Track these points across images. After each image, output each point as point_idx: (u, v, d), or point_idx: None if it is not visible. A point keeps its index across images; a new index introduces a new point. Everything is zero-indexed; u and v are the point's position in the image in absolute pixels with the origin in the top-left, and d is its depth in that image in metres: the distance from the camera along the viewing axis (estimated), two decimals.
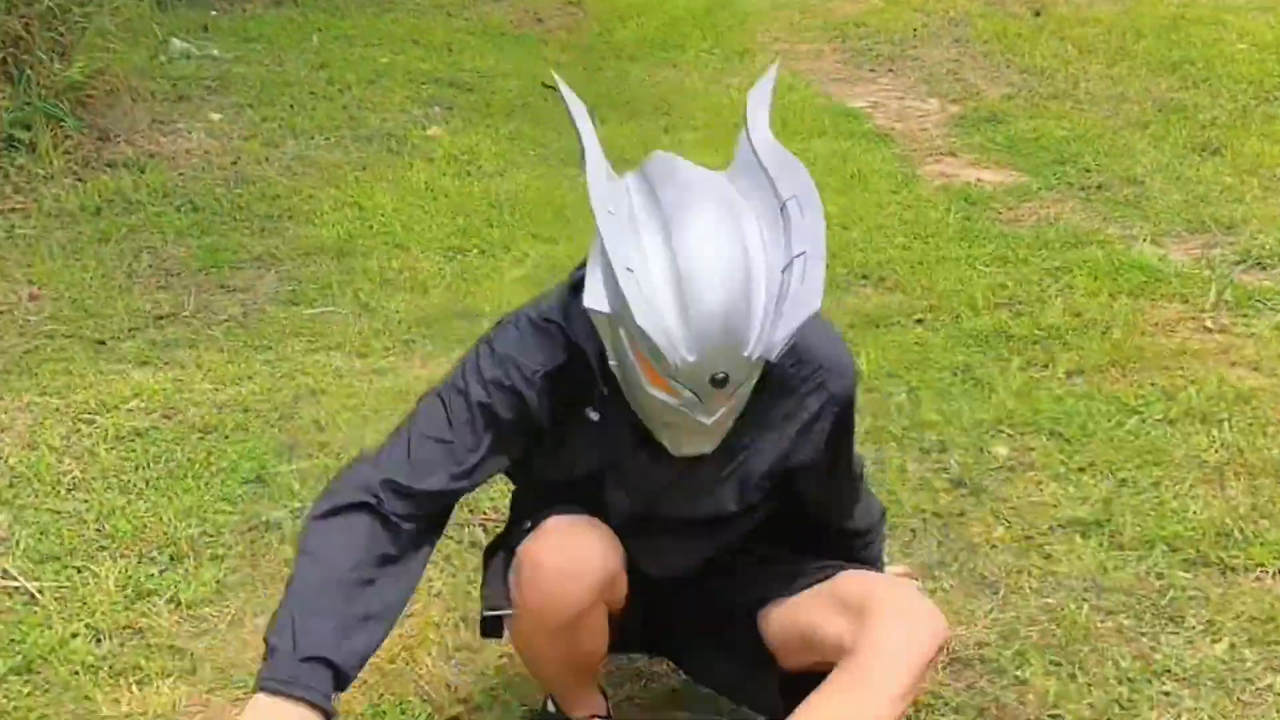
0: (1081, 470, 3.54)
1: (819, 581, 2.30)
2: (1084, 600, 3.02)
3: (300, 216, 5.54)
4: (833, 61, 8.45)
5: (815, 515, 2.46)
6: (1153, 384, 3.96)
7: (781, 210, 1.95)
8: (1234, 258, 4.91)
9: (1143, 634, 2.92)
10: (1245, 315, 4.41)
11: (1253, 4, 8.82)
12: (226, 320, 4.59)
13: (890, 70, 8.17)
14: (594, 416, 2.17)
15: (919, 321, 4.54)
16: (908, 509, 3.39)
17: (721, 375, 1.89)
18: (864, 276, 4.95)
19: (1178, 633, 2.92)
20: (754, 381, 2.00)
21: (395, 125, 6.72)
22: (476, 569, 2.79)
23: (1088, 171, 6.10)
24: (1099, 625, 2.94)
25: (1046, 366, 4.15)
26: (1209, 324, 4.36)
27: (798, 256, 1.91)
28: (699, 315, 1.86)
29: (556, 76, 2.19)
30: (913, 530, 3.32)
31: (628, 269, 1.88)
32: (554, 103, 7.53)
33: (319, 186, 5.85)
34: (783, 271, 1.91)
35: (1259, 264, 4.87)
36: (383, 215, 5.55)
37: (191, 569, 3.16)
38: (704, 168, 2.05)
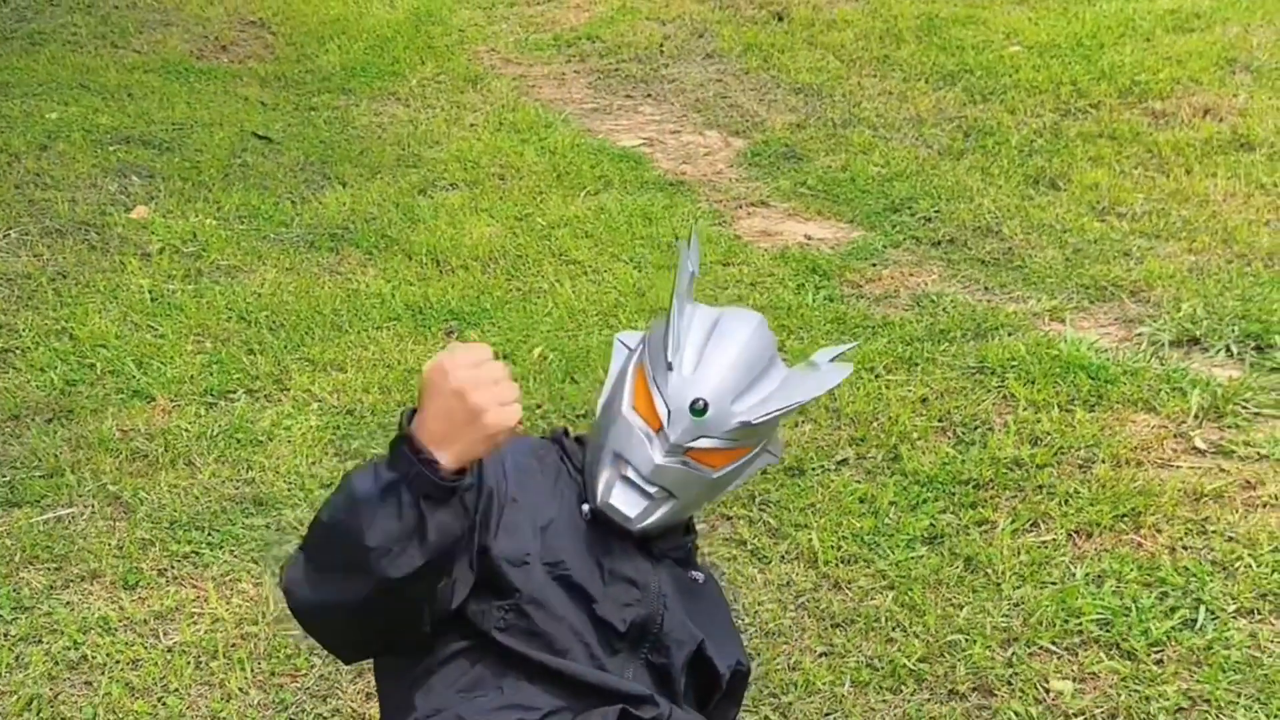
0: (1181, 710, 2.68)
1: None
2: None
3: None
4: (580, 87, 7.42)
5: None
6: (1185, 547, 3.14)
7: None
8: (1167, 335, 4.16)
9: None
10: (1235, 426, 3.64)
11: None
12: None
13: (649, 95, 7.20)
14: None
15: (843, 463, 3.61)
16: None
17: (703, 404, 1.88)
18: None
19: None
20: (716, 454, 1.92)
21: (89, 208, 5.32)
22: None
23: (928, 220, 5.30)
24: None
25: (1038, 526, 3.28)
26: (1199, 443, 3.56)
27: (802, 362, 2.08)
28: (718, 345, 1.95)
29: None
30: None
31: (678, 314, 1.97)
32: (273, 160, 6.34)
33: (10, 309, 4.48)
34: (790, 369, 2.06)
35: (1199, 344, 4.12)
36: (105, 348, 4.23)
37: None
38: None
